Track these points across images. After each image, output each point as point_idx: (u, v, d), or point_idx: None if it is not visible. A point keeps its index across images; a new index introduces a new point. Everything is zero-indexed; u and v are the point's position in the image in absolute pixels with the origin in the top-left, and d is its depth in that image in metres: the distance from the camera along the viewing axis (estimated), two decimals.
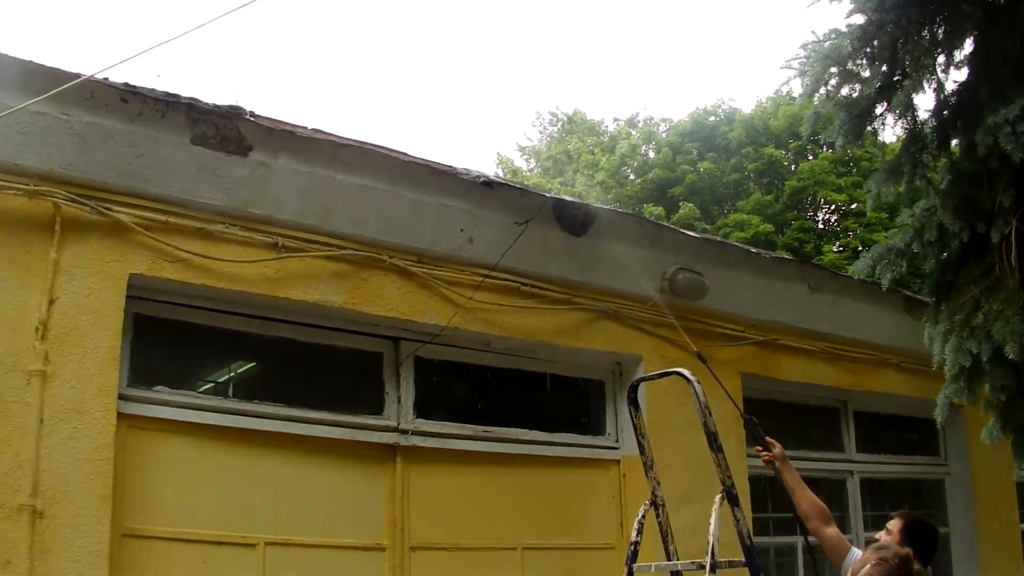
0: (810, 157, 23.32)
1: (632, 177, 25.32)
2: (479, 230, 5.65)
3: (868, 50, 5.47)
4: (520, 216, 5.74)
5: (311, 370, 5.37)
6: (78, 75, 4.11)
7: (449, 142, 41.34)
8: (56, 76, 4.10)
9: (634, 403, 4.67)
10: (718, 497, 4.23)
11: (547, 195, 5.93)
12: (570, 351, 6.15)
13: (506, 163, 28.98)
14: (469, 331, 5.63)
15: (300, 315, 5.20)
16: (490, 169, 28.17)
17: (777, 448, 4.57)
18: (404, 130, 41.16)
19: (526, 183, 18.12)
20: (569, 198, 6.12)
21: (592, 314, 6.22)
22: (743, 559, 4.21)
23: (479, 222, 5.63)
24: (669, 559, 4.45)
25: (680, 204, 22.13)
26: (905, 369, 7.97)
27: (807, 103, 6.06)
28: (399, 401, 5.54)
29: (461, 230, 5.59)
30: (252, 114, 4.78)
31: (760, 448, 4.61)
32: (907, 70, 5.44)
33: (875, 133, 5.65)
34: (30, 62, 4.10)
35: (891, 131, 5.63)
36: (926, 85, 5.52)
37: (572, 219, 5.95)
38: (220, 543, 4.71)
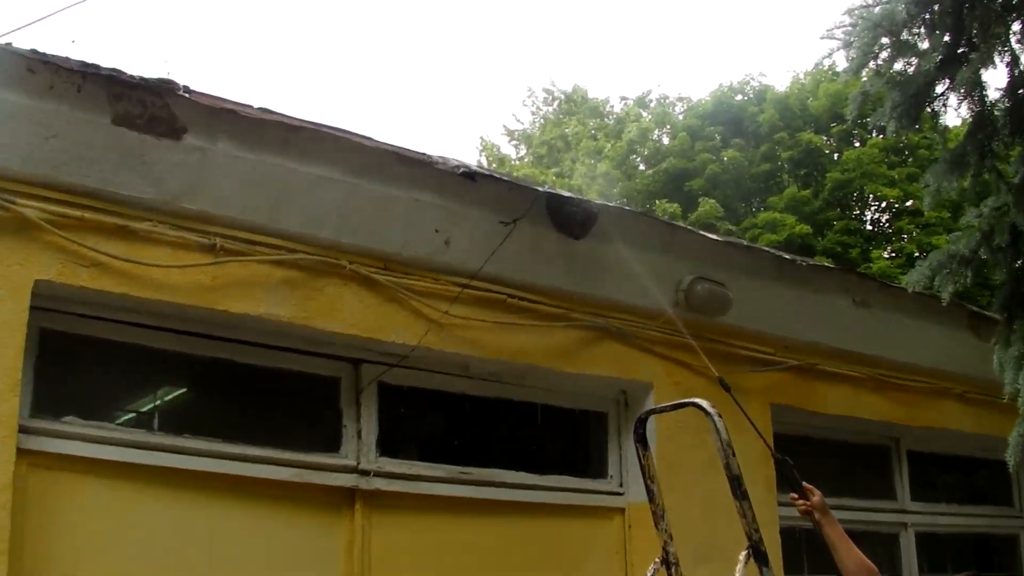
0: (856, 144, 23.55)
1: (642, 167, 25.56)
2: (458, 231, 5.72)
3: (927, 16, 5.53)
4: (507, 214, 5.81)
5: (254, 398, 5.44)
6: None
7: (424, 126, 41.45)
8: None
9: (642, 440, 4.72)
10: (743, 555, 4.28)
11: (540, 189, 6.01)
12: (566, 377, 6.26)
13: (491, 150, 29.19)
14: (445, 352, 5.70)
15: (241, 332, 5.25)
16: (472, 157, 28.24)
17: (816, 496, 4.59)
18: (371, 112, 41.23)
19: (515, 174, 18.21)
20: (566, 193, 6.22)
21: (592, 332, 6.31)
22: None
23: (458, 221, 5.71)
24: None
25: (699, 200, 22.34)
26: (969, 400, 8.08)
27: (853, 80, 6.11)
28: (359, 436, 5.60)
29: (436, 231, 5.68)
30: (187, 89, 4.80)
31: (795, 495, 4.63)
32: (974, 40, 5.48)
33: (935, 116, 5.70)
34: None
35: (954, 113, 5.67)
36: (997, 59, 5.53)
37: (570, 218, 6.02)
38: None
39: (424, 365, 5.79)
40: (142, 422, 5.05)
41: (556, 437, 6.52)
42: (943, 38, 5.50)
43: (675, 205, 21.63)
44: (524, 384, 6.25)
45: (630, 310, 6.41)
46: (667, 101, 27.83)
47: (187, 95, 4.78)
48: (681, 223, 7.31)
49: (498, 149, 29.46)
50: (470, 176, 5.65)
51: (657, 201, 22.14)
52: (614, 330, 6.36)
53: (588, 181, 23.54)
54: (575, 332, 6.23)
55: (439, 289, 5.69)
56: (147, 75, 4.70)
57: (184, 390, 5.36)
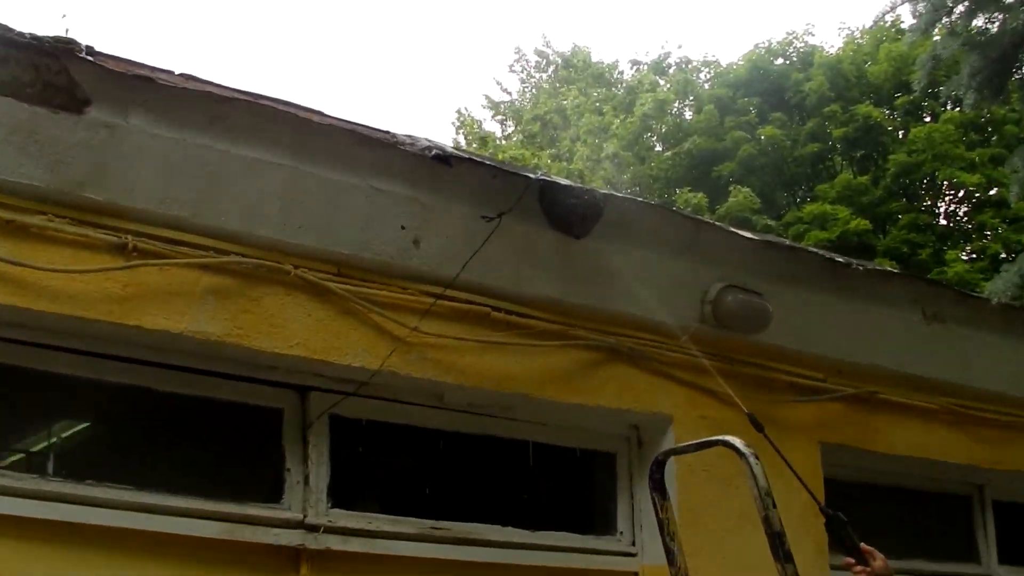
0: (927, 120, 23.54)
1: (659, 148, 25.62)
2: (429, 227, 5.76)
3: None
4: (491, 207, 5.84)
5: (175, 436, 5.42)
6: None
7: (390, 98, 41.37)
8: None
9: (659, 488, 4.73)
10: None
11: (532, 176, 6.01)
12: (564, 408, 6.28)
13: (471, 126, 29.23)
14: (414, 378, 5.71)
15: (160, 353, 5.23)
16: (447, 136, 28.14)
17: (878, 560, 4.57)
18: (326, 84, 41.12)
19: (500, 157, 18.01)
20: (564, 180, 6.21)
21: (597, 353, 6.34)
22: None
23: (430, 216, 5.75)
24: None
25: (730, 189, 22.39)
26: None
27: (921, 40, 6.05)
28: (306, 482, 5.58)
29: (403, 228, 5.71)
30: (90, 51, 4.76)
31: (851, 560, 4.63)
32: None
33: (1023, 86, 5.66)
34: None
35: None
36: None
37: (569, 212, 6.07)
38: None
39: (388, 394, 5.81)
40: (34, 465, 5.02)
41: (552, 483, 6.56)
42: None
43: (700, 195, 21.70)
44: (512, 417, 6.28)
45: (644, 326, 6.41)
46: (690, 66, 27.94)
47: (91, 58, 4.74)
48: (707, 218, 7.28)
49: (480, 126, 29.53)
50: (444, 160, 5.65)
51: (678, 190, 22.24)
52: (624, 351, 6.38)
53: (592, 165, 23.57)
54: (576, 353, 6.25)
55: (406, 300, 5.70)
56: (41, 33, 4.68)
57: (87, 425, 5.34)
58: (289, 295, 5.39)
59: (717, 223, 6.94)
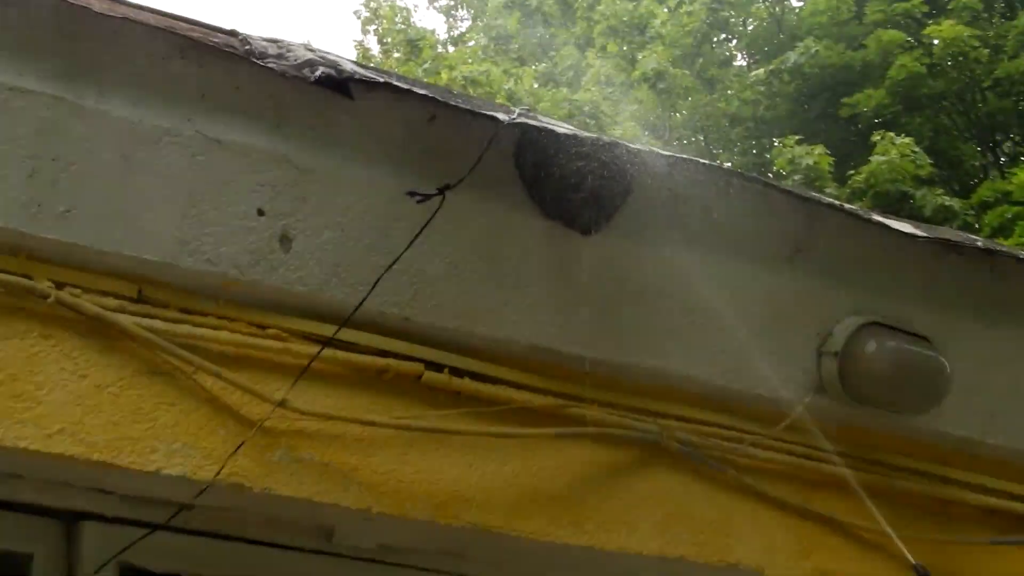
0: None
1: (742, 62, 21.11)
2: (308, 212, 4.71)
3: None
4: (425, 175, 4.65)
5: None
6: None
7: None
8: None
9: None
10: None
11: (503, 117, 4.83)
12: (563, 555, 5.08)
13: (390, 19, 23.41)
14: (278, 497, 4.52)
15: None
16: (347, 42, 24.46)
17: None
18: None
19: (445, 79, 14.21)
20: (563, 126, 5.09)
21: (622, 451, 5.11)
22: None
23: (309, 190, 4.72)
24: None
25: (875, 139, 18.05)
26: None
27: None
28: None
29: (260, 212, 4.58)
30: None
31: None
32: None
33: None
34: None
35: None
36: None
37: (570, 186, 4.92)
38: None
39: (227, 527, 4.72)
40: None
41: None
42: None
43: (818, 151, 17.57)
44: (463, 573, 5.15)
45: (709, 400, 5.27)
46: None
47: None
48: (831, 195, 6.88)
49: (407, 18, 23.46)
50: (339, 85, 4.54)
51: (776, 142, 18.25)
52: (672, 446, 5.10)
53: (615, 95, 19.14)
54: (584, 451, 5.01)
55: (266, 349, 4.55)
56: None
57: None
58: (46, 339, 4.29)
59: (847, 206, 5.71)
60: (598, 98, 17.22)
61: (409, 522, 4.84)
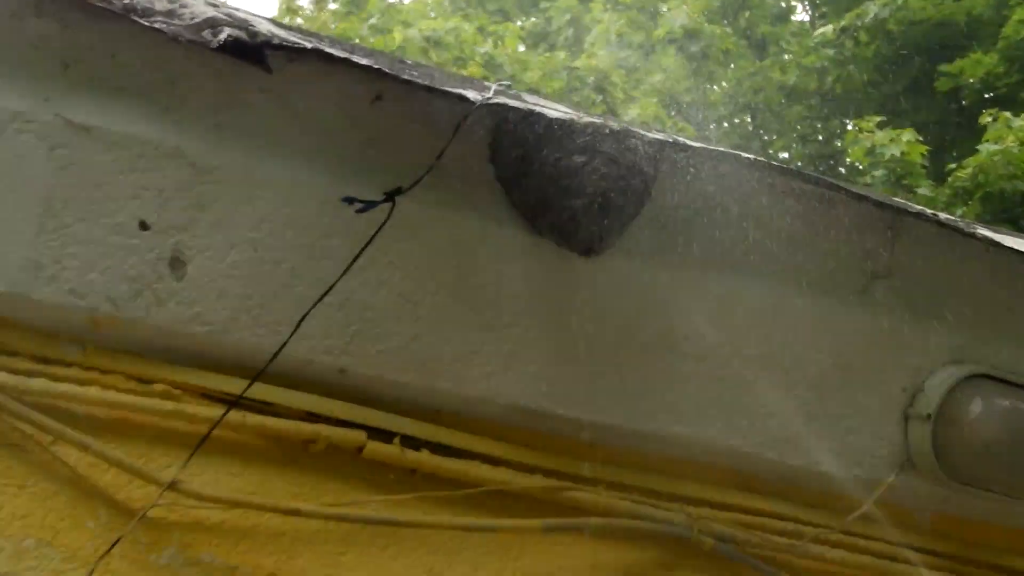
0: None
1: (803, 16, 20.11)
2: (209, 225, 4.21)
3: None
4: (368, 177, 4.22)
5: None
6: None
7: None
8: None
9: None
10: None
11: (476, 96, 4.21)
12: None
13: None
14: None
15: None
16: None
17: None
18: None
19: (397, 41, 12.80)
20: (557, 108, 4.59)
21: (640, 549, 4.63)
22: None
23: (210, 195, 4.20)
24: None
25: (984, 121, 16.57)
26: None
27: None
28: None
29: (142, 225, 4.09)
30: None
31: None
32: None
33: None
34: None
35: None
36: None
37: (568, 191, 4.37)
38: None
39: None
40: None
41: None
42: None
43: (907, 136, 16.17)
44: None
45: (753, 481, 4.82)
46: None
47: None
48: (922, 197, 6.12)
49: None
50: (252, 52, 3.96)
51: (849, 124, 17.00)
52: (709, 545, 4.56)
53: (631, 61, 17.72)
54: (581, 551, 4.53)
55: (148, 414, 4.04)
56: None
57: None
58: None
59: (943, 216, 5.05)
60: (607, 66, 15.85)
61: None
